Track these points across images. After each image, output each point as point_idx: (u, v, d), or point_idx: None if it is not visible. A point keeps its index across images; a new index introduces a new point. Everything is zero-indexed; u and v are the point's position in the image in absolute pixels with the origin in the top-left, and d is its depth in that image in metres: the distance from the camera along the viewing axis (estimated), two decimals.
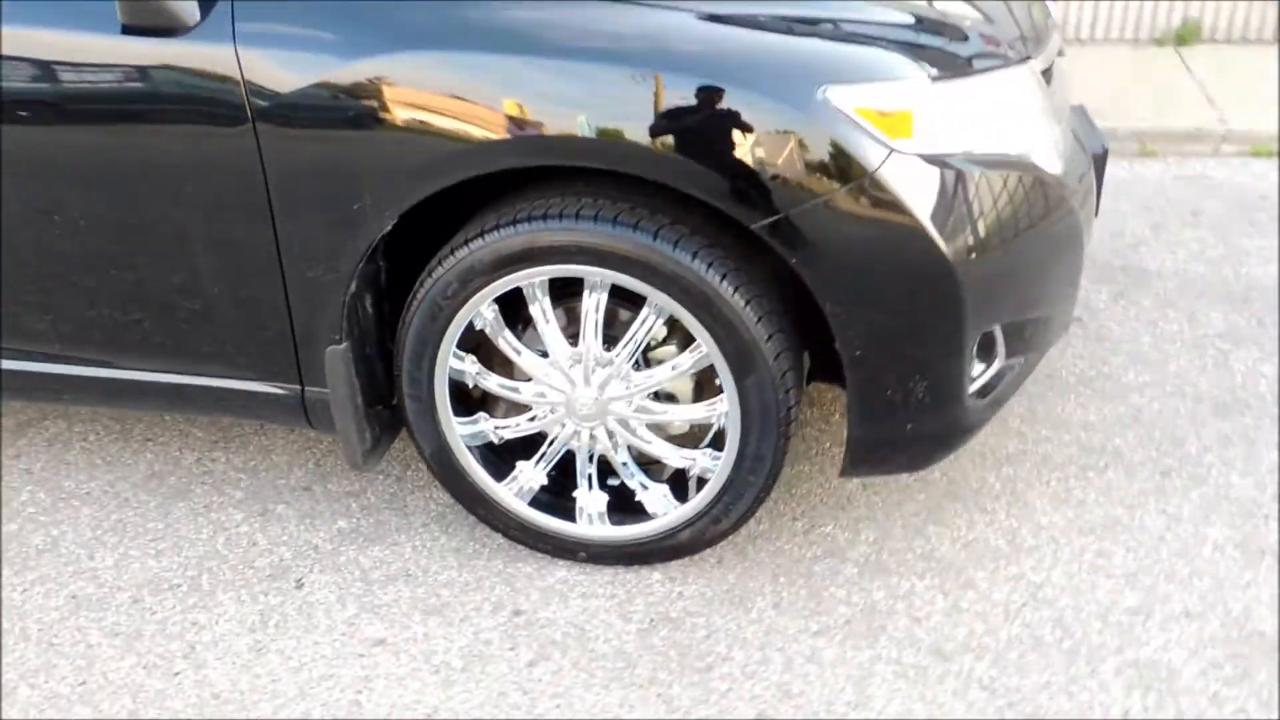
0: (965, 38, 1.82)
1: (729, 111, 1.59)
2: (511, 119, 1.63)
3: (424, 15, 1.66)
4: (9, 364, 2.04)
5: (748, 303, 1.72)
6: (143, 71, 1.70)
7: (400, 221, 1.74)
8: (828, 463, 2.27)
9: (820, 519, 2.13)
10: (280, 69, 1.66)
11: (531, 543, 2.03)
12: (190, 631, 1.90)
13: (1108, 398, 2.44)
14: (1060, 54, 2.13)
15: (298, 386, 1.94)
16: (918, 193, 1.65)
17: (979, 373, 1.89)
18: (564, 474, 1.99)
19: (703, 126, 1.61)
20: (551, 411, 1.90)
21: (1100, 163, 2.15)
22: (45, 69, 1.74)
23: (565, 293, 1.83)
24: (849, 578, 2.00)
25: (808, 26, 1.69)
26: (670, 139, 1.61)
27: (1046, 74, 1.94)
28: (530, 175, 1.76)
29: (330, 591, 1.98)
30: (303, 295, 1.82)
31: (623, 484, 1.97)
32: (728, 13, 1.66)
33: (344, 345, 1.86)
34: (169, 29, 1.66)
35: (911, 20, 1.78)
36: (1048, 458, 2.27)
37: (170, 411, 2.19)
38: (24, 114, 1.76)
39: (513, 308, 1.85)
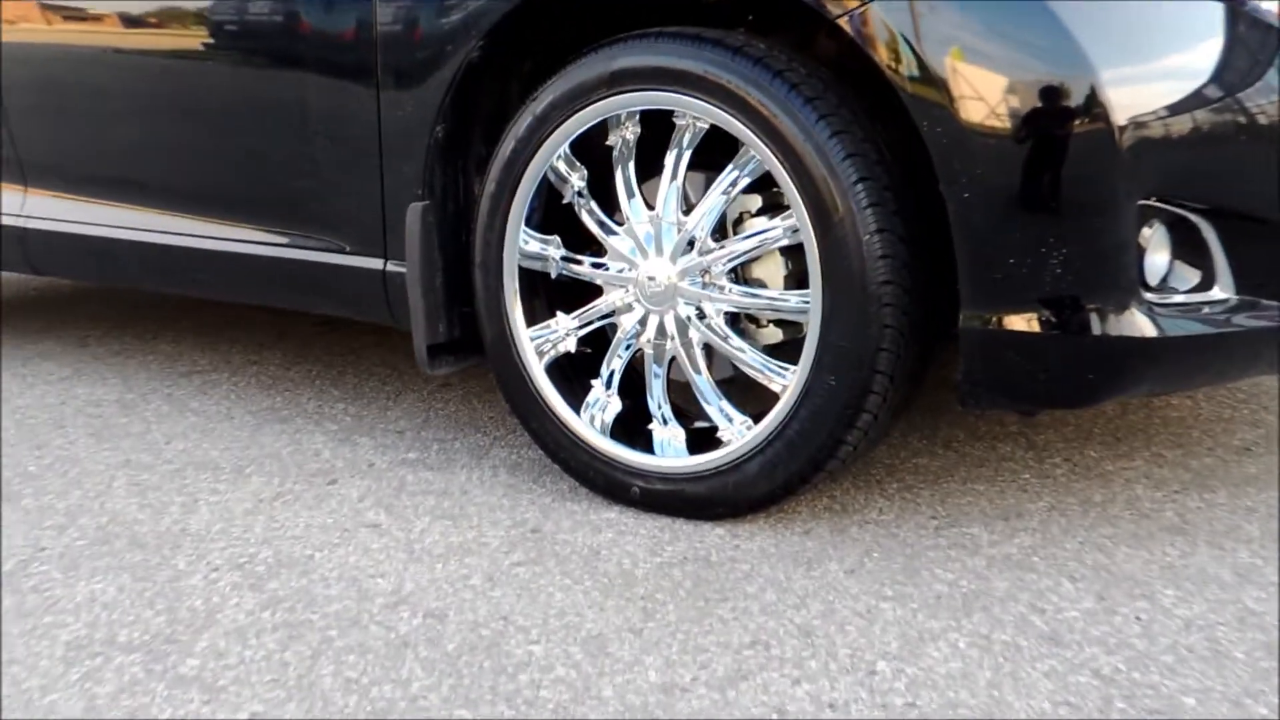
0: None
1: None
2: None
3: None
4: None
5: (832, 135, 1.58)
6: None
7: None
8: (1003, 479, 1.89)
9: (965, 521, 1.76)
10: None
11: (579, 468, 1.87)
12: (203, 494, 1.93)
13: None
14: None
15: (381, 260, 2.03)
16: None
17: (1172, 274, 1.56)
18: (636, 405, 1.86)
19: None
20: (621, 288, 1.80)
21: None
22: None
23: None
24: (970, 567, 1.60)
25: None
26: None
27: None
28: None
29: (355, 490, 1.94)
30: (392, 141, 1.95)
31: (700, 428, 1.80)
32: None
33: (425, 203, 1.93)
34: None
35: None
36: None
37: (264, 297, 2.35)
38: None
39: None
